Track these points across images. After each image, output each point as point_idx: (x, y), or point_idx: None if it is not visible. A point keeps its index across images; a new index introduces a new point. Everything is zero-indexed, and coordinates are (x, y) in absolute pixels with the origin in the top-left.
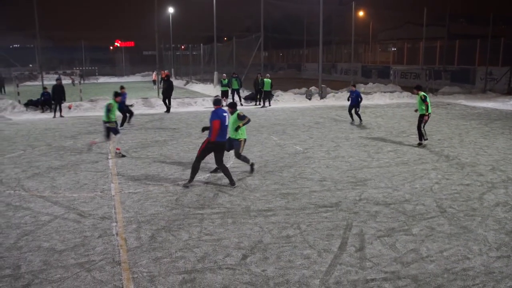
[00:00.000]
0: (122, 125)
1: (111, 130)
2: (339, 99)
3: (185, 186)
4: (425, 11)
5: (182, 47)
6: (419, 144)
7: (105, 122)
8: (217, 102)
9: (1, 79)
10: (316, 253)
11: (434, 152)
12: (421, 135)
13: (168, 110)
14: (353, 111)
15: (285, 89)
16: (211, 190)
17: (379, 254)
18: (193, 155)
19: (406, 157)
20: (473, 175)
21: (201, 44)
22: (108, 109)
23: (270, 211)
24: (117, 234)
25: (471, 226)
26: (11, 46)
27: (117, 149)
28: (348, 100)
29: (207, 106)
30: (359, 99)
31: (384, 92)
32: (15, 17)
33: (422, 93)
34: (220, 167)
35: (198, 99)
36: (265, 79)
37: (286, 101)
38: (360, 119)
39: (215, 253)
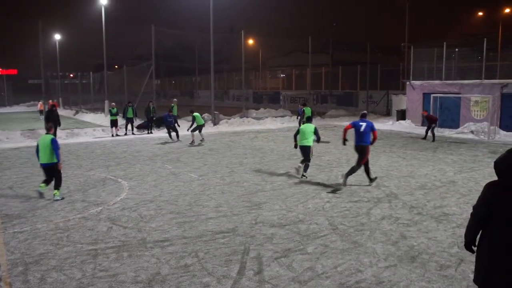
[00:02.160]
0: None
1: None
2: (232, 125)
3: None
4: (310, 39)
5: (71, 75)
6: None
7: None
8: (363, 115)
9: None
10: (215, 280)
11: (324, 173)
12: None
13: None
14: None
15: (178, 117)
16: (104, 224)
17: (277, 275)
18: (84, 188)
19: (298, 178)
20: (360, 192)
21: (91, 72)
22: None
23: (167, 241)
24: (0, 279)
25: (361, 240)
26: None
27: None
28: (297, 117)
29: (98, 136)
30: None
31: (275, 117)
32: None
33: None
34: (358, 167)
35: (88, 129)
36: (172, 105)
37: (179, 129)
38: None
39: None
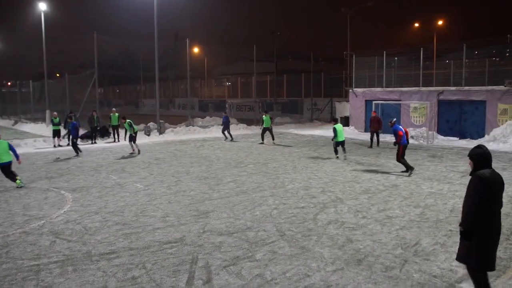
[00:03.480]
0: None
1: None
2: (178, 134)
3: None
4: (255, 48)
5: (9, 83)
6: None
7: None
8: (394, 122)
9: None
10: None
11: (271, 180)
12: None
13: None
14: (226, 131)
15: (122, 126)
16: (47, 238)
17: (226, 284)
18: (25, 201)
19: (245, 186)
20: (307, 198)
21: (31, 81)
22: None
23: (113, 253)
24: None
25: (308, 246)
26: None
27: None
28: (222, 124)
29: (39, 147)
30: (228, 121)
31: (221, 125)
32: None
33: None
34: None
35: (28, 140)
36: (112, 114)
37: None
38: (231, 136)
39: None
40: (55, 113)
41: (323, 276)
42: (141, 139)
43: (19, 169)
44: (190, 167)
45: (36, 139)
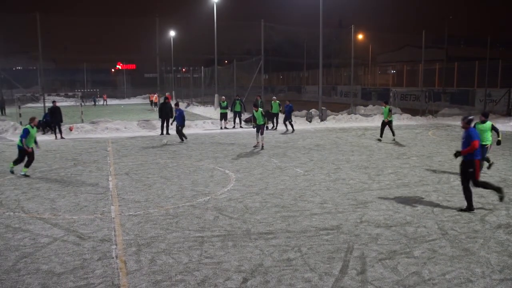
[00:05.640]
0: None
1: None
2: (339, 122)
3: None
4: (424, 34)
5: (183, 69)
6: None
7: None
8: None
9: (3, 101)
10: (317, 277)
11: (435, 174)
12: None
13: (167, 133)
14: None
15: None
16: (211, 213)
17: (380, 277)
18: (193, 177)
19: (407, 179)
20: (474, 197)
21: (202, 67)
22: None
23: (270, 234)
24: (116, 257)
25: (473, 249)
26: (14, 68)
27: None
28: (283, 113)
29: (207, 128)
30: (291, 111)
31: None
32: (19, 39)
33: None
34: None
35: (198, 121)
36: (272, 102)
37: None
38: (292, 128)
39: (215, 277)
40: (223, 97)
41: (488, 284)
42: (303, 125)
43: (190, 148)
44: (350, 155)
45: (205, 121)
